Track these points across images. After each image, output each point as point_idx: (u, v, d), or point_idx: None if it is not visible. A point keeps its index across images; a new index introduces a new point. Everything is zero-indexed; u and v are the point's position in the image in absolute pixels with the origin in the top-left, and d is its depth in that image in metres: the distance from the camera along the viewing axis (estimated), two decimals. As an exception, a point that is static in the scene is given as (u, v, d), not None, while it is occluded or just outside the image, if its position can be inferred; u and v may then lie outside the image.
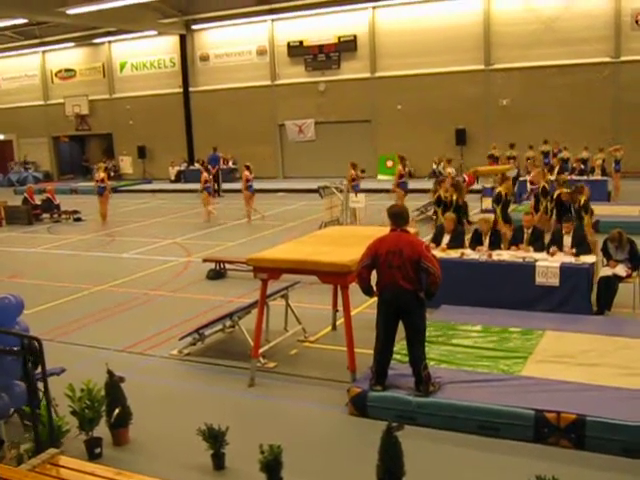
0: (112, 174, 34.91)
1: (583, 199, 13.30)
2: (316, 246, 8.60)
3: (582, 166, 22.49)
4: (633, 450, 6.02)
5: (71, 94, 38.77)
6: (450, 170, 21.20)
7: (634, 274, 10.31)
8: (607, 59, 26.91)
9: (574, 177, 20.08)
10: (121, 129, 38.27)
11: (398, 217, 7.19)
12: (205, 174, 22.55)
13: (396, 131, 30.44)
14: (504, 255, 10.75)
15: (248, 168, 21.15)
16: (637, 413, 6.22)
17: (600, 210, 15.07)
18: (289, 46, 32.68)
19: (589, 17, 26.78)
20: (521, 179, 21.37)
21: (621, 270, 10.21)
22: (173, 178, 34.65)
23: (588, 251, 10.59)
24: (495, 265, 10.50)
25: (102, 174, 22.45)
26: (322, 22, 31.70)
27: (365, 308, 10.10)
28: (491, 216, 13.14)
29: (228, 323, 9.57)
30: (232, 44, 34.20)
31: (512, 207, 15.75)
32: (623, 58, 26.71)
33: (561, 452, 6.22)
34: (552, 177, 17.83)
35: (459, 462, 6.22)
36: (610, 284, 10.10)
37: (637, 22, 26.37)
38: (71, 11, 28.67)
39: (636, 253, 10.40)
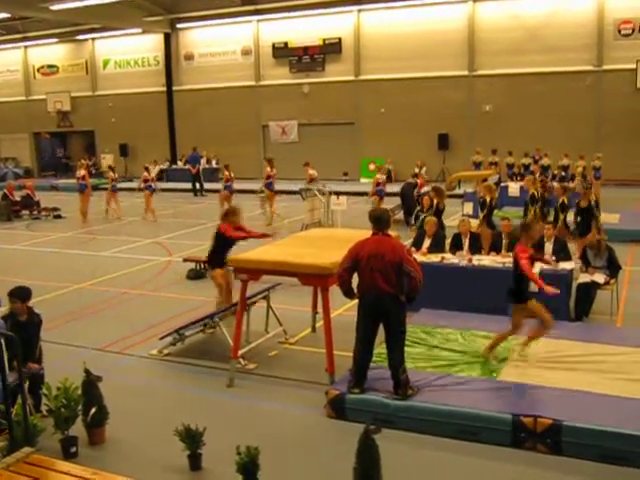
0: (93, 172, 34.66)
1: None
2: (297, 248, 8.59)
3: (563, 173, 22.67)
4: (609, 456, 6.05)
5: (53, 90, 38.49)
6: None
7: (612, 281, 10.40)
8: (590, 67, 27.18)
9: (554, 184, 20.17)
10: (103, 126, 38.03)
11: (380, 220, 7.18)
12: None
13: (379, 134, 30.54)
14: (484, 260, 10.81)
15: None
16: (613, 419, 6.27)
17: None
18: (274, 47, 32.68)
19: (573, 26, 27.05)
20: (502, 184, 21.50)
21: (599, 277, 10.31)
22: (155, 177, 34.37)
23: (568, 258, 10.68)
24: (475, 270, 10.55)
25: (83, 172, 22.35)
26: (307, 24, 31.75)
27: (345, 310, 10.11)
28: (472, 219, 13.22)
29: (209, 324, 9.54)
30: (217, 44, 34.14)
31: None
32: (605, 67, 26.99)
33: (538, 457, 6.25)
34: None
35: (437, 466, 6.23)
36: (588, 291, 10.18)
37: (619, 31, 26.66)
38: (55, 7, 28.43)
39: (614, 260, 10.51)
